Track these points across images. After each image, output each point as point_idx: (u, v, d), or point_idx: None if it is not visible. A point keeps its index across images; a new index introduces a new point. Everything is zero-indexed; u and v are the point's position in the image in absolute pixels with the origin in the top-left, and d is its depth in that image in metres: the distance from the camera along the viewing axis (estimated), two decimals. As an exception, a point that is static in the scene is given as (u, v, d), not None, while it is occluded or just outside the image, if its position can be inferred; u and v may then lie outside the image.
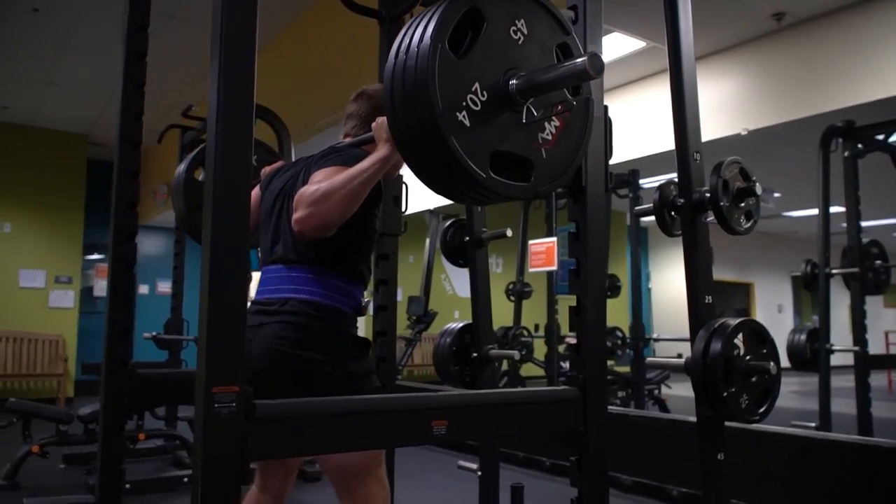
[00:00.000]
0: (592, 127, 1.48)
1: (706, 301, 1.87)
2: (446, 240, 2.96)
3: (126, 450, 4.31)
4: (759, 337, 1.81)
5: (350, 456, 1.73)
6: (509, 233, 2.77)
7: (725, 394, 1.71)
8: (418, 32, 1.25)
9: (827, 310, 4.12)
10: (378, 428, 1.30)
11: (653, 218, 1.98)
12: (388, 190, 2.54)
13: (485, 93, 1.27)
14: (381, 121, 1.73)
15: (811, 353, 4.02)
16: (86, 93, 7.13)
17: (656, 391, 6.79)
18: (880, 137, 4.41)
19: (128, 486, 3.22)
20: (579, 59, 1.24)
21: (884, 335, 11.18)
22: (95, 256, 9.68)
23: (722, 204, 1.78)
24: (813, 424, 3.70)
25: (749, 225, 1.86)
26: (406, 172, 2.65)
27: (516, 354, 2.95)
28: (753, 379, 1.76)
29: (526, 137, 1.34)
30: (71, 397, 8.24)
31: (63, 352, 8.20)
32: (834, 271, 4.14)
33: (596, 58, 1.22)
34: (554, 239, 5.05)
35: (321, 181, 1.67)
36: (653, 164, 5.59)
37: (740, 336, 1.76)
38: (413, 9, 2.55)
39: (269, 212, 1.91)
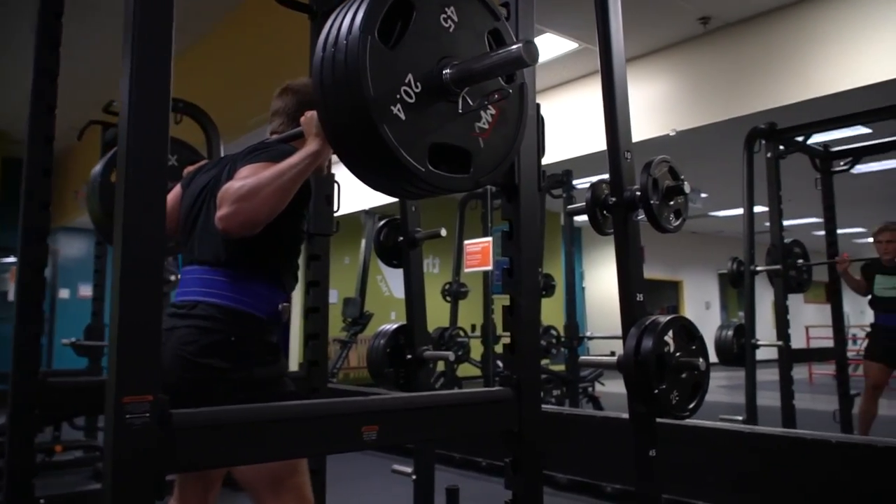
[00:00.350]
0: (528, 113, 1.47)
1: (638, 299, 1.88)
2: (380, 240, 2.91)
3: (43, 463, 4.11)
4: (688, 333, 1.83)
5: (264, 465, 1.65)
6: (443, 232, 2.74)
7: (657, 390, 1.71)
8: (346, 23, 1.21)
9: (752, 306, 4.25)
10: (304, 435, 1.24)
11: (586, 217, 1.98)
12: (319, 189, 2.48)
13: (419, 84, 1.24)
14: (310, 114, 1.67)
15: (738, 348, 4.14)
16: (2, 87, 6.78)
17: (590, 389, 6.88)
18: (800, 139, 4.56)
19: (42, 501, 3.05)
20: (514, 47, 1.21)
21: (805, 330, 11.64)
22: (11, 259, 9.23)
23: (652, 202, 1.79)
24: (740, 418, 3.80)
25: (678, 223, 1.88)
26: (340, 171, 2.59)
27: (451, 355, 2.92)
28: (684, 375, 1.78)
29: (463, 127, 1.32)
30: (-16, 408, 7.82)
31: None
32: (759, 269, 4.26)
33: (530, 45, 1.20)
34: (489, 239, 5.06)
35: (247, 177, 1.59)
36: (586, 164, 5.67)
37: (671, 333, 1.77)
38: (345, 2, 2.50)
39: (189, 210, 1.83)
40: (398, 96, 1.21)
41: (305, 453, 1.59)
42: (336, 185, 2.56)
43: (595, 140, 5.16)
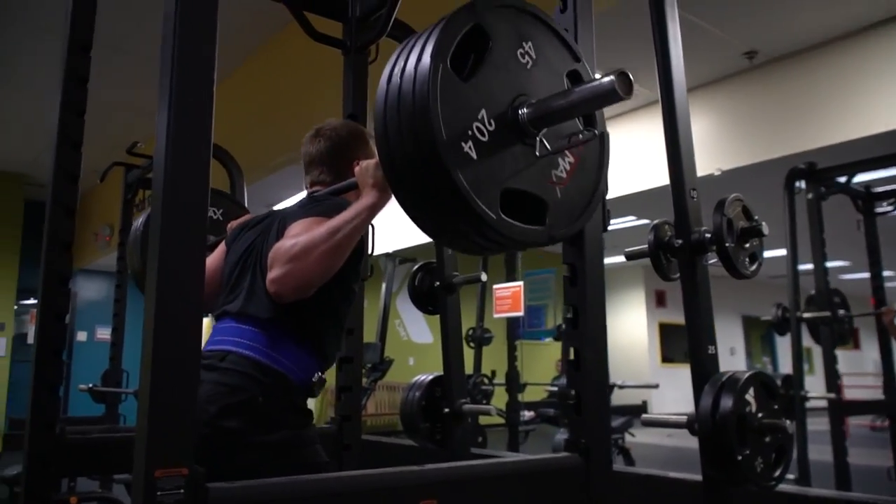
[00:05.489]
0: (608, 162, 1.34)
1: (709, 351, 1.71)
2: (415, 284, 2.76)
3: (55, 517, 3.92)
4: (769, 391, 1.65)
5: None
6: (484, 277, 2.59)
7: (740, 457, 1.53)
8: (415, 52, 1.08)
9: (800, 356, 4.03)
10: (357, 513, 1.08)
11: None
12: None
13: (492, 121, 1.11)
14: (365, 164, 1.53)
15: (787, 401, 3.91)
16: (24, 129, 6.79)
17: (620, 440, 6.61)
18: (842, 179, 4.39)
19: (54, 562, 2.86)
20: (606, 79, 1.07)
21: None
22: (31, 301, 9.19)
23: (727, 244, 1.63)
24: (792, 476, 3.57)
25: (754, 268, 1.71)
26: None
27: (493, 409, 2.73)
28: (767, 438, 1.60)
29: (539, 174, 1.18)
30: (-1, 453, 7.68)
31: (-11, 405, 7.66)
32: (805, 315, 4.05)
33: (625, 77, 1.05)
34: (520, 283, 4.91)
35: (299, 234, 1.46)
36: (612, 207, 5.50)
37: (751, 391, 1.60)
38: (379, 39, 2.40)
39: (233, 268, 1.68)
40: (470, 133, 1.07)
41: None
42: (371, 228, 2.43)
43: (625, 183, 5.00)
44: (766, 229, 1.66)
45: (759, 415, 1.58)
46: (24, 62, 5.37)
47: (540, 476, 1.36)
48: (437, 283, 2.65)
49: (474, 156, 1.07)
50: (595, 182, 1.30)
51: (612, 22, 3.81)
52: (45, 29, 4.68)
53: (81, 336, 9.85)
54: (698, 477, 1.71)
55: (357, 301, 2.35)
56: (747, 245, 1.70)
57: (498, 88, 1.13)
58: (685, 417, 1.70)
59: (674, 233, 1.77)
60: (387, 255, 7.71)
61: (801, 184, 4.23)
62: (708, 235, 1.68)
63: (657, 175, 4.99)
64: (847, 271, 12.01)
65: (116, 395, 4.65)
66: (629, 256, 1.85)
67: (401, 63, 1.10)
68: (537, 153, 1.15)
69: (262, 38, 5.04)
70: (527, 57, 1.19)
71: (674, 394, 11.87)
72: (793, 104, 4.46)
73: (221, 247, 1.82)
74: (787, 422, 1.58)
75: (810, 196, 4.23)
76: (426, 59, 1.05)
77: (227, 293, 1.64)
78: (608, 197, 5.04)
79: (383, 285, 8.23)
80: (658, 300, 13.34)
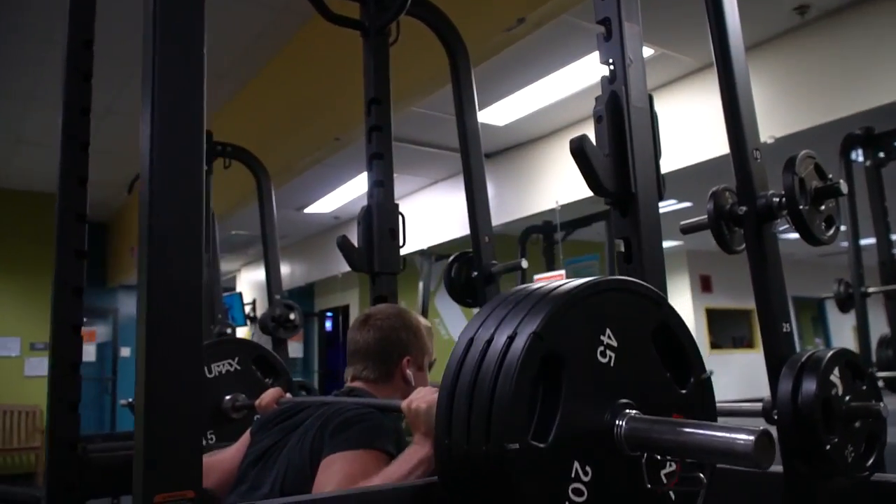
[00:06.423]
0: None
1: (784, 330, 1.52)
2: (451, 276, 2.61)
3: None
4: (855, 371, 1.46)
5: None
6: (525, 264, 2.41)
7: (828, 446, 1.35)
8: (478, 408, 0.86)
9: (867, 335, 3.77)
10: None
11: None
12: (382, 222, 2.23)
13: (588, 468, 0.88)
14: (416, 405, 1.33)
15: (874, 382, 3.65)
16: (56, 149, 6.82)
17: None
18: (900, 144, 4.11)
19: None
20: (741, 437, 0.81)
21: (895, 355, 10.83)
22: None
23: (801, 207, 1.44)
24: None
25: (832, 233, 1.52)
26: (404, 205, 2.31)
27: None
28: (857, 424, 1.41)
29: (651, 492, 0.96)
30: (49, 472, 7.74)
31: (40, 423, 7.74)
32: (871, 290, 3.80)
33: (766, 440, 0.81)
34: (562, 272, 4.74)
35: (341, 482, 1.24)
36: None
37: (836, 371, 1.41)
38: (399, 17, 2.26)
39: (254, 462, 1.49)
40: (567, 502, 0.86)
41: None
42: (401, 217, 2.29)
43: (676, 157, 4.72)
44: (844, 188, 1.47)
45: (847, 397, 1.40)
46: (51, 81, 5.35)
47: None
48: (475, 273, 2.50)
49: None
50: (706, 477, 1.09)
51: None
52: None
53: (125, 352, 9.93)
54: (778, 468, 1.54)
55: (389, 296, 2.21)
56: (822, 207, 1.50)
57: (585, 419, 0.90)
58: (760, 405, 1.53)
59: (736, 200, 1.59)
60: (421, 252, 7.57)
61: (859, 153, 3.97)
62: (776, 199, 1.49)
63: (694, 152, 4.72)
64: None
65: (156, 408, 4.58)
66: (685, 230, 1.67)
67: (460, 421, 0.87)
68: (648, 484, 0.93)
69: (285, 37, 4.94)
70: (608, 353, 0.94)
71: (725, 379, 11.52)
72: (851, 61, 4.09)
73: (245, 437, 1.64)
74: (881, 404, 1.39)
75: (868, 163, 3.97)
76: (498, 439, 0.82)
77: (242, 492, 1.44)
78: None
79: (420, 284, 8.10)
80: (704, 285, 12.98)
